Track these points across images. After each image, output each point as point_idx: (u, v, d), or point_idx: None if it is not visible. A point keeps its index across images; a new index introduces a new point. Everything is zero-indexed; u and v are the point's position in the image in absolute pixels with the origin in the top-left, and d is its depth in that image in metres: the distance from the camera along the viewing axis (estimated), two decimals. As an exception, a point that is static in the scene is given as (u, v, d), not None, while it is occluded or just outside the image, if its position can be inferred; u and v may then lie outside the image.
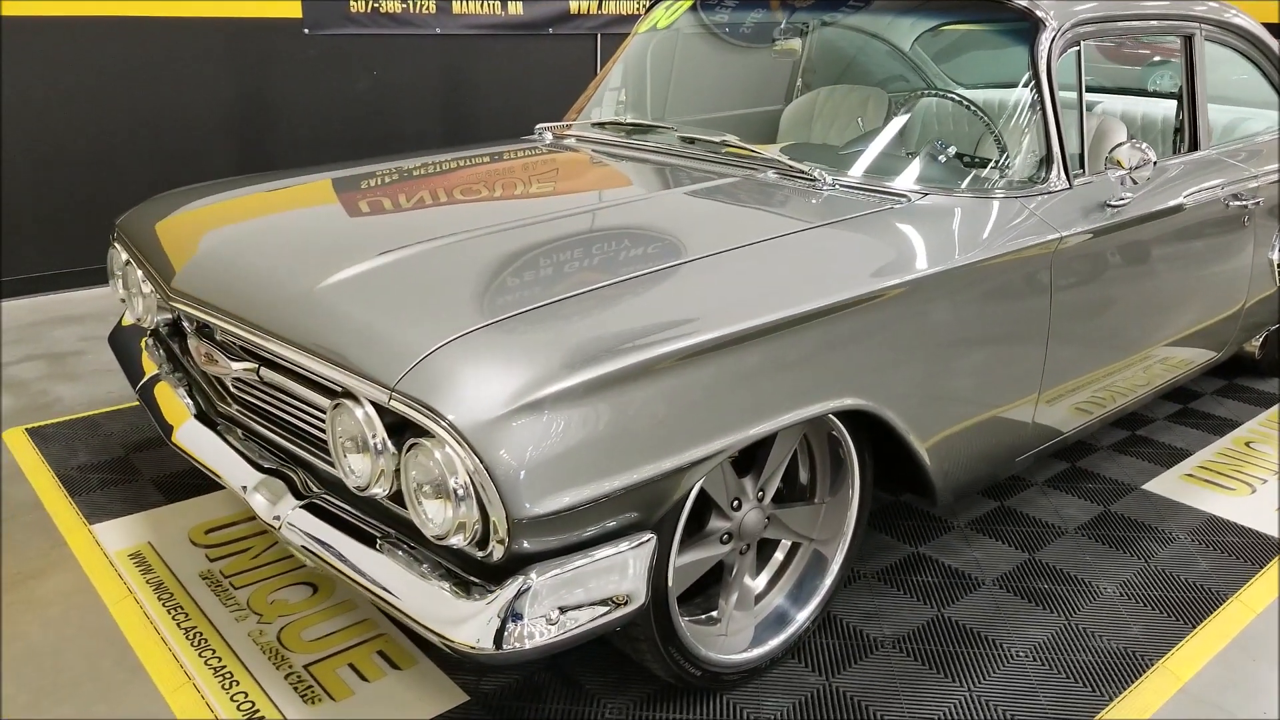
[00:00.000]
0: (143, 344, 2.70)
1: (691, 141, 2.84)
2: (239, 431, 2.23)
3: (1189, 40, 3.01)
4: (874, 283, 1.99)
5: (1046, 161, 2.51)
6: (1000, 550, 2.67)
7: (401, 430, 1.67)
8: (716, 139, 2.72)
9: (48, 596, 2.38)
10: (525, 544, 1.58)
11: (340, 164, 2.87)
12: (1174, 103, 3.47)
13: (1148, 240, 2.71)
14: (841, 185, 2.43)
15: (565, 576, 1.62)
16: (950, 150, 2.83)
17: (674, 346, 1.68)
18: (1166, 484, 3.07)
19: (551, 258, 1.99)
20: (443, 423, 1.53)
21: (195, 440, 2.19)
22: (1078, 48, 2.59)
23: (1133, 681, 2.18)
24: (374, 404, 1.67)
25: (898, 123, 2.92)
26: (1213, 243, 3.00)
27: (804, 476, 2.23)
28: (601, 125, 3.12)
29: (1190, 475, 3.13)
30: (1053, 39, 2.50)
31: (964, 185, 2.45)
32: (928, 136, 2.89)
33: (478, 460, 1.52)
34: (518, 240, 2.08)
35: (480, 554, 1.61)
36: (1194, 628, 2.38)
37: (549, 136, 3.16)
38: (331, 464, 1.93)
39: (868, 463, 2.19)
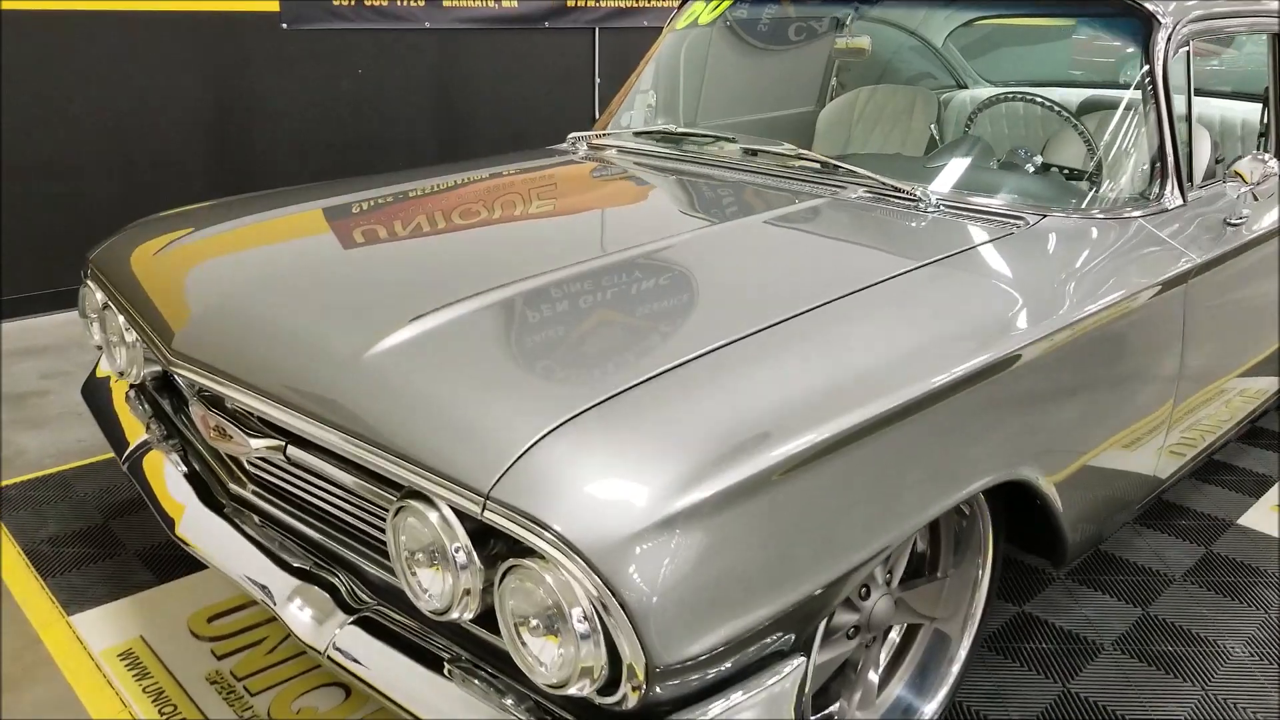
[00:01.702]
0: (123, 398, 2.31)
1: (755, 153, 2.51)
2: (255, 518, 1.86)
3: (1276, 39, 2.75)
4: (1033, 330, 1.69)
5: (1161, 175, 2.22)
6: (1110, 605, 2.39)
7: (486, 537, 1.34)
8: (789, 152, 2.40)
9: (24, 714, 2.00)
10: (663, 688, 1.25)
11: (349, 182, 2.50)
12: (1242, 104, 3.22)
13: (1267, 259, 2.44)
14: (946, 206, 2.12)
15: (708, 726, 1.30)
16: (1037, 160, 2.55)
17: (839, 425, 1.36)
18: (1260, 517, 2.82)
19: (637, 309, 1.65)
20: (559, 541, 1.20)
21: (206, 535, 1.82)
22: (1188, 48, 2.31)
23: (1296, 767, 1.92)
24: (455, 509, 1.33)
25: (984, 130, 2.63)
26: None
27: (920, 546, 1.93)
28: (647, 135, 2.78)
29: (1283, 506, 2.88)
30: (1169, 37, 2.22)
31: (1081, 204, 2.16)
32: (1012, 145, 2.60)
33: (608, 591, 1.18)
34: (591, 286, 1.73)
35: (604, 700, 1.28)
36: (1340, 693, 2.12)
37: (584, 147, 2.81)
38: (388, 570, 1.60)
39: (1000, 528, 1.90)
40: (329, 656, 1.55)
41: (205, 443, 1.98)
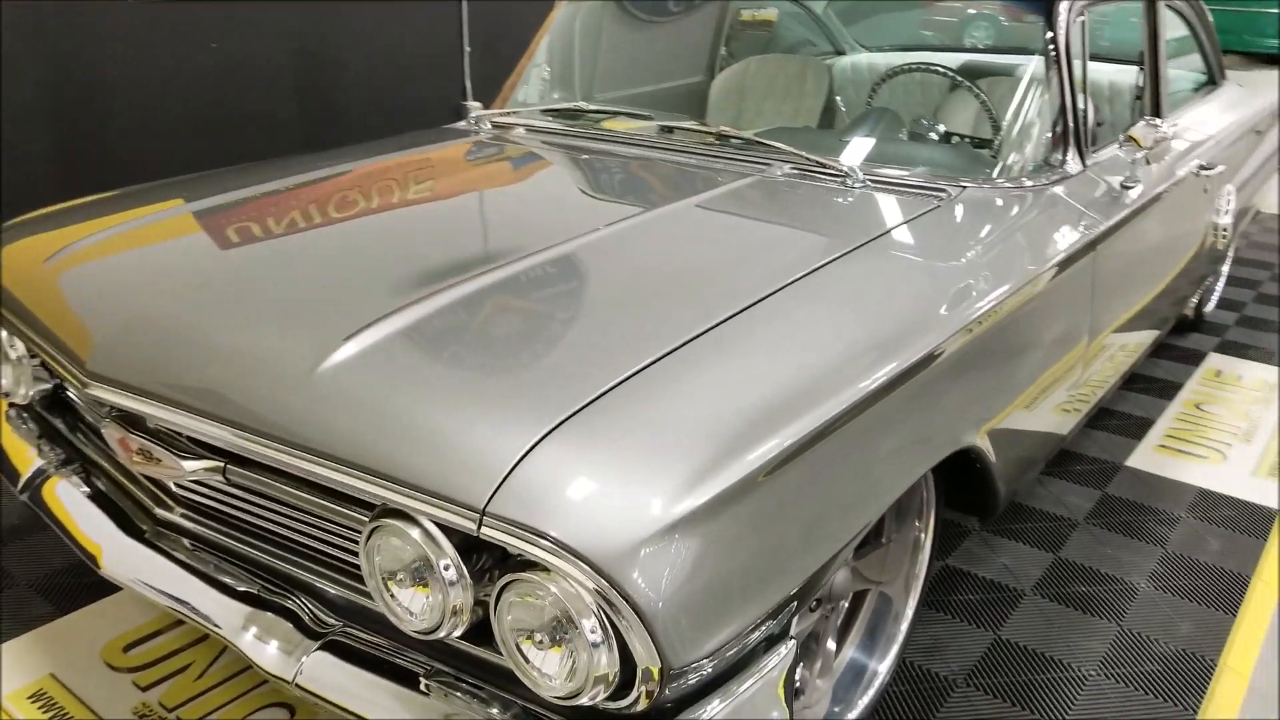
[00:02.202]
0: (2, 417, 2.13)
1: (671, 130, 2.49)
2: (185, 543, 1.75)
3: (1151, 3, 2.89)
4: (978, 304, 1.74)
5: (1063, 141, 2.32)
6: (1025, 553, 2.51)
7: (470, 552, 1.29)
8: (711, 129, 2.39)
9: (-67, 770, 1.84)
10: (671, 688, 1.24)
11: (245, 170, 2.35)
12: (1109, 66, 3.38)
13: (1157, 219, 2.58)
14: (872, 181, 2.15)
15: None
16: (940, 129, 2.62)
17: (820, 417, 1.37)
18: (1145, 458, 3.01)
19: (590, 305, 1.61)
20: (565, 551, 1.16)
21: (138, 567, 1.69)
22: (1084, 16, 2.40)
23: (1204, 688, 2.07)
24: (440, 525, 1.27)
25: (885, 100, 2.68)
26: (1188, 214, 2.93)
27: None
28: (555, 112, 2.72)
29: (1163, 446, 3.08)
30: (1071, 5, 2.30)
31: (994, 173, 2.23)
32: (914, 116, 2.66)
33: (619, 596, 1.16)
34: (535, 284, 1.68)
35: (613, 706, 1.26)
36: (1233, 616, 2.29)
37: (487, 126, 2.72)
38: (352, 590, 1.53)
39: (941, 492, 1.96)
40: (298, 685, 1.47)
41: (119, 466, 1.84)
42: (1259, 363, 3.73)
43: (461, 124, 2.86)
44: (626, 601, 1.16)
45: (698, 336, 1.47)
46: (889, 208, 2.04)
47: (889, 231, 1.92)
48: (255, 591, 1.62)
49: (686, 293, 1.65)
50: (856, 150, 2.35)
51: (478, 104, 5.57)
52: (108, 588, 2.28)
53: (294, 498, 1.49)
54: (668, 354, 1.42)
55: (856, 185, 2.14)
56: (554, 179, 2.37)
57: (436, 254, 1.84)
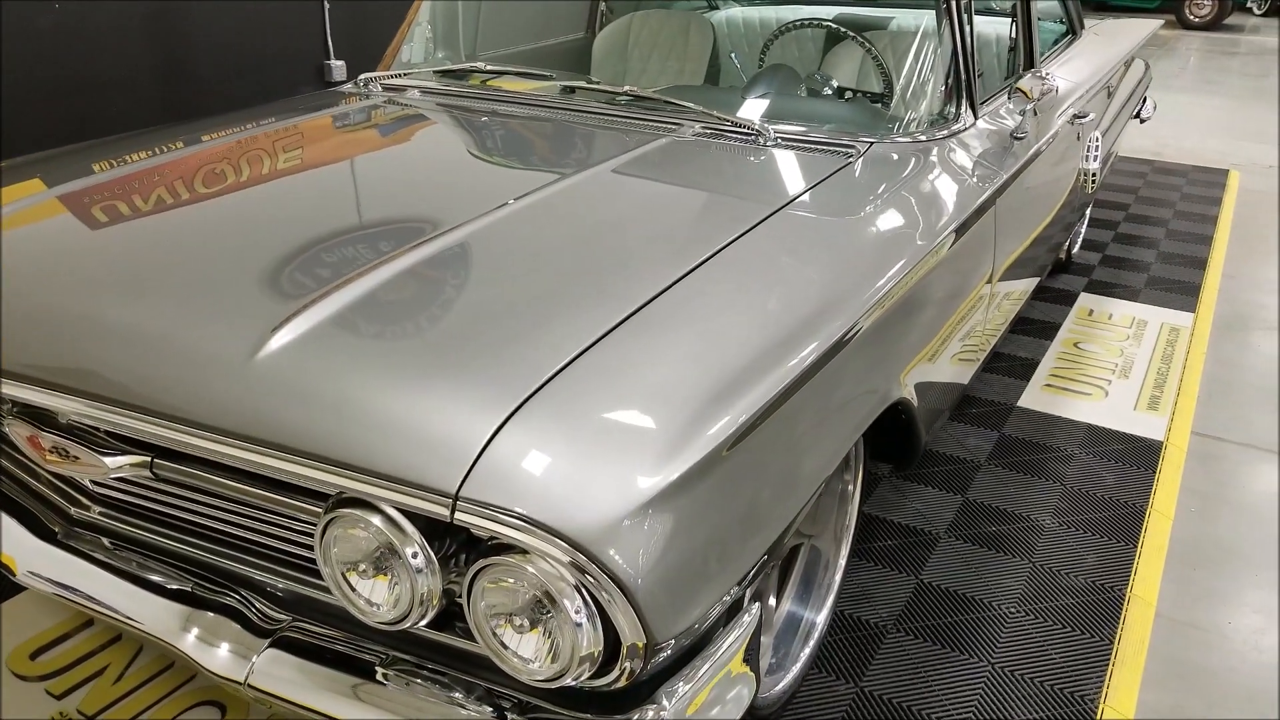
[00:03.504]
0: None
1: (572, 92, 2.44)
2: (104, 542, 1.65)
3: (1024, -47, 2.97)
4: (906, 260, 1.77)
5: (956, 94, 2.37)
6: (934, 496, 2.61)
7: (433, 537, 1.26)
8: (616, 90, 2.35)
9: None
10: (652, 662, 1.24)
11: (126, 140, 2.20)
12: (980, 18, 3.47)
13: (1042, 169, 2.68)
14: (783, 139, 2.16)
15: (692, 691, 1.30)
16: (833, 84, 2.65)
17: (779, 382, 1.37)
18: (1034, 397, 3.15)
19: (528, 277, 1.57)
20: (544, 531, 1.14)
21: (61, 574, 1.58)
22: None
23: (1118, 617, 2.19)
24: (404, 511, 1.23)
25: (776, 56, 2.68)
26: (1065, 162, 3.05)
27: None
28: (450, 74, 2.62)
29: (1049, 386, 3.23)
30: (964, -42, 2.35)
31: (896, 128, 2.27)
32: (808, 72, 2.68)
33: (602, 573, 1.15)
34: (467, 256, 1.63)
35: (597, 684, 1.25)
36: (1134, 546, 2.44)
37: (378, 89, 2.61)
38: (300, 582, 1.47)
39: (867, 445, 2.01)
40: (250, 686, 1.41)
41: (24, 465, 1.72)
42: (1125, 300, 3.95)
43: (349, 86, 2.74)
44: (609, 577, 1.15)
45: (645, 305, 1.45)
46: (802, 166, 2.05)
47: (807, 191, 1.93)
48: (190, 589, 1.54)
49: (626, 260, 1.64)
50: (762, 109, 2.36)
51: (340, 62, 5.37)
52: (3, 592, 2.14)
53: (231, 490, 1.42)
54: (620, 324, 1.40)
55: (768, 144, 2.15)
56: (463, 144, 2.30)
57: (357, 230, 1.77)
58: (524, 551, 1.17)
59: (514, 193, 1.84)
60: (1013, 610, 2.20)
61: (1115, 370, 3.34)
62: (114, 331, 1.46)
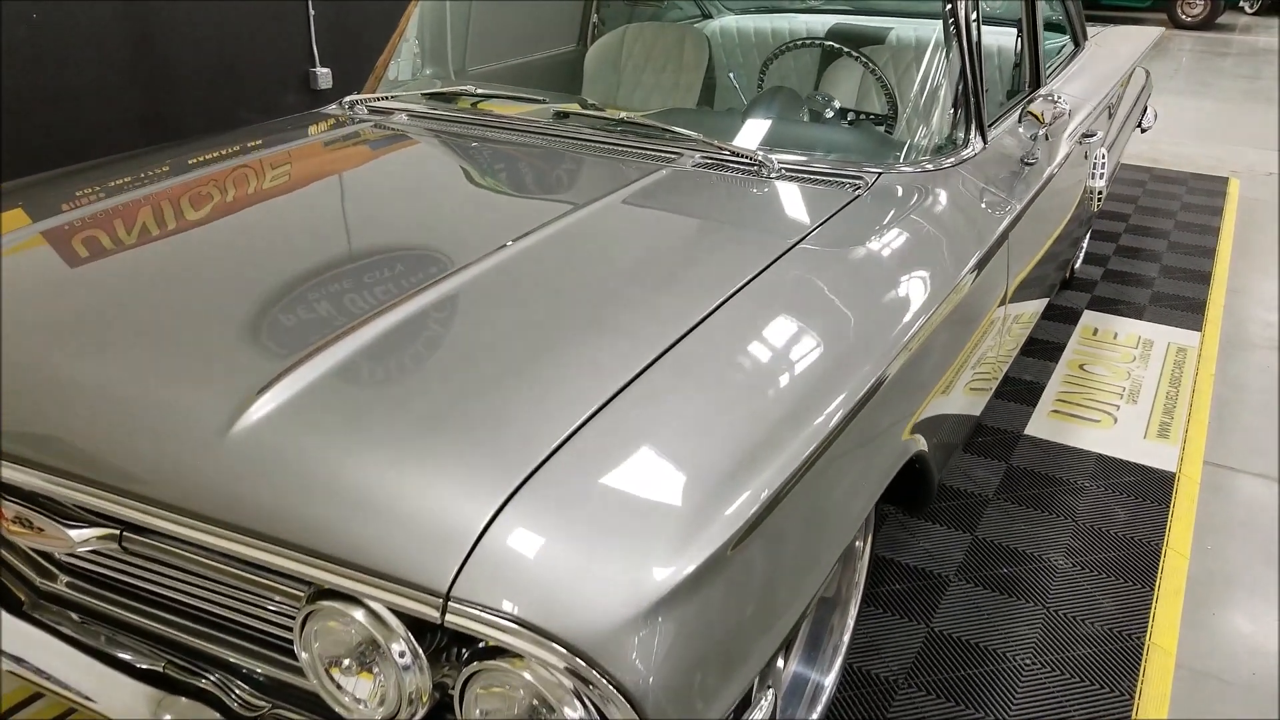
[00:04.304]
0: None
1: (565, 116, 2.34)
2: (72, 615, 1.54)
3: (1032, -34, 2.88)
4: (923, 306, 1.68)
5: (965, 117, 2.28)
6: (943, 534, 2.52)
7: (422, 631, 1.16)
8: (611, 117, 2.25)
9: None
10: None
11: (97, 169, 2.09)
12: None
13: (1052, 192, 2.59)
14: (786, 170, 2.06)
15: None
16: (835, 105, 2.56)
17: (795, 459, 1.28)
18: (1041, 424, 3.07)
19: (526, 334, 1.46)
20: (542, 636, 1.04)
21: (23, 646, 1.48)
22: None
23: (1137, 670, 2.11)
24: (393, 609, 1.13)
25: (778, 75, 2.59)
26: (1073, 182, 2.96)
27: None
28: (439, 96, 2.52)
29: (1056, 411, 3.15)
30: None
31: (904, 156, 2.17)
32: (808, 92, 2.59)
33: (605, 681, 1.05)
34: (470, 305, 1.52)
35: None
36: (1151, 589, 2.35)
37: (363, 111, 2.50)
38: (282, 668, 1.37)
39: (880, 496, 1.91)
40: (229, 782, 1.31)
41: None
42: (1129, 318, 3.87)
43: (333, 108, 2.64)
44: (614, 686, 1.05)
45: (652, 365, 1.35)
46: (809, 201, 1.95)
47: (816, 229, 1.82)
48: (162, 670, 1.44)
49: (629, 314, 1.52)
50: (764, 137, 2.26)
51: (325, 70, 5.25)
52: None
53: (207, 568, 1.31)
54: (625, 387, 1.30)
55: (772, 175, 2.05)
56: (455, 178, 2.19)
57: (346, 277, 1.66)
58: (520, 656, 1.07)
59: (511, 234, 1.74)
60: (1028, 662, 2.11)
61: (1123, 395, 3.26)
62: (74, 394, 1.36)
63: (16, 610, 1.55)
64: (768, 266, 1.64)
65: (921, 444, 1.74)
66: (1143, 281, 4.24)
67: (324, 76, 5.23)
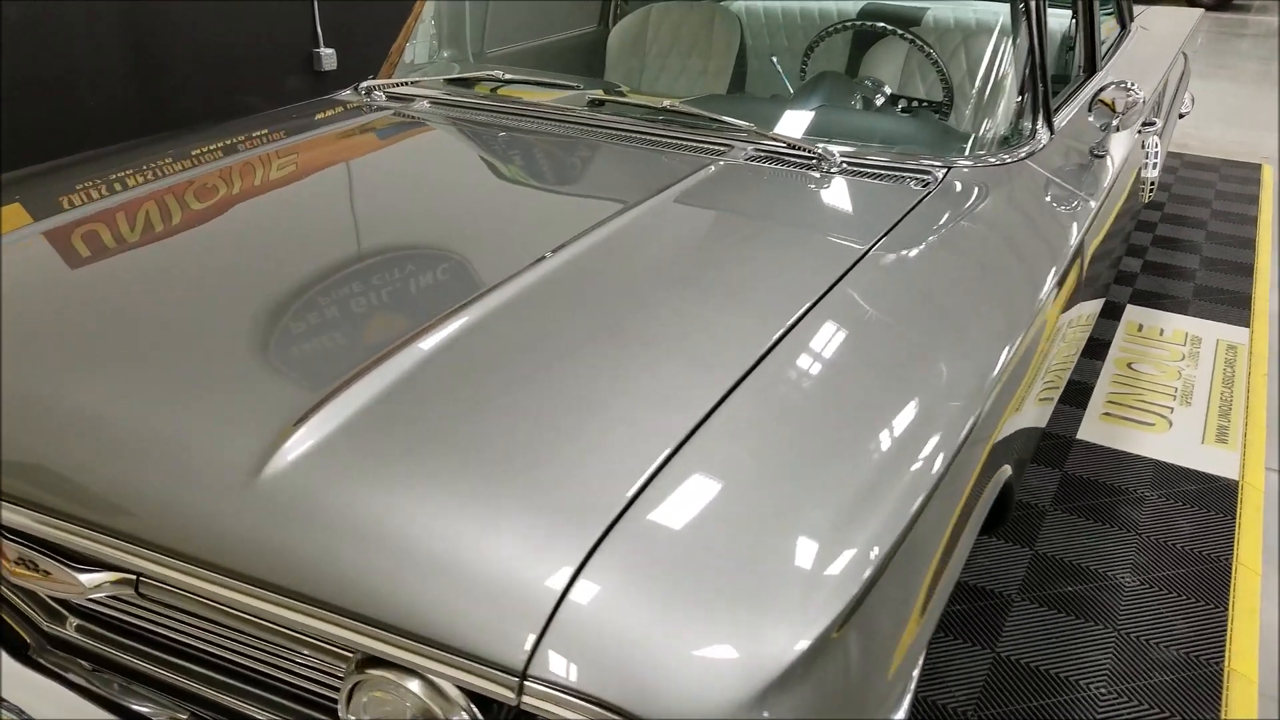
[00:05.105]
0: None
1: (600, 104, 2.18)
2: (81, 663, 1.39)
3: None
4: (1023, 314, 1.53)
5: (1033, 106, 2.12)
6: (1001, 549, 2.38)
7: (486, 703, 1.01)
8: (655, 104, 2.09)
9: None
10: None
11: (99, 160, 1.94)
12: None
13: (1123, 185, 2.44)
14: (849, 164, 1.91)
15: None
16: (886, 91, 2.40)
17: (910, 505, 1.13)
18: (1094, 428, 2.92)
19: (587, 355, 1.31)
20: (638, 722, 0.90)
21: (28, 698, 1.34)
22: None
23: (1219, 699, 1.97)
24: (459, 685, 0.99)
25: (820, 62, 2.43)
26: (1132, 173, 2.80)
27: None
28: (462, 82, 2.36)
29: (1108, 415, 3.00)
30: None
31: (970, 148, 2.01)
32: (859, 78, 2.43)
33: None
34: (525, 320, 1.37)
35: None
36: (1224, 608, 2.21)
37: (381, 97, 2.34)
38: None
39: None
40: None
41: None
42: (1174, 313, 3.72)
43: (348, 94, 2.48)
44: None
45: (727, 397, 1.20)
46: (876, 201, 1.79)
47: (888, 234, 1.66)
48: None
49: (697, 336, 1.36)
50: (820, 127, 2.10)
51: (330, 50, 5.07)
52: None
53: (235, 620, 1.17)
54: (700, 424, 1.15)
55: (833, 170, 1.90)
56: (486, 175, 2.03)
57: (380, 289, 1.50)
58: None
59: (554, 240, 1.58)
60: (1104, 691, 1.97)
61: (1176, 396, 3.12)
62: (79, 426, 1.21)
63: (21, 655, 1.41)
64: (841, 278, 1.49)
65: (1009, 471, 1.60)
66: (1184, 274, 4.09)
67: (328, 58, 5.05)
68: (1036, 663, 2.04)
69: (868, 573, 1.03)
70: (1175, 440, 2.86)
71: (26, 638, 1.42)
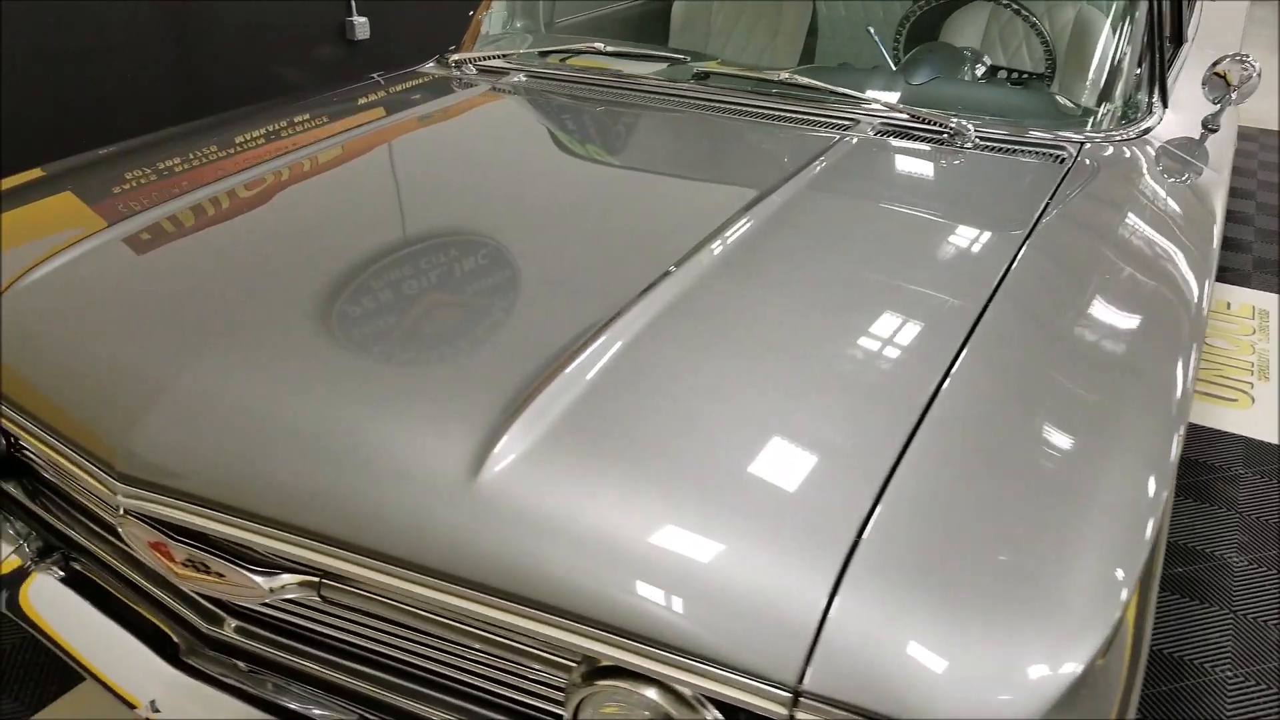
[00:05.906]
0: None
1: (706, 77, 2.11)
2: (239, 665, 1.35)
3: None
4: (1195, 297, 1.48)
5: (1149, 79, 2.07)
6: (1106, 532, 2.34)
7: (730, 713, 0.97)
8: (771, 77, 2.02)
9: None
10: None
11: (207, 130, 1.87)
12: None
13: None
14: (983, 139, 1.85)
15: None
16: (986, 61, 2.34)
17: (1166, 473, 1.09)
18: (1177, 404, 2.88)
19: (784, 343, 1.25)
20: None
21: (193, 709, 1.29)
22: None
23: (1344, 680, 1.95)
24: (709, 696, 0.94)
25: (946, 30, 2.35)
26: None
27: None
28: (553, 56, 2.28)
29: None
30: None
31: (1094, 123, 1.96)
32: (969, 49, 2.36)
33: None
34: (717, 300, 1.32)
35: None
36: (1334, 588, 2.19)
37: (471, 71, 2.27)
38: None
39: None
40: None
41: (132, 559, 1.42)
42: (1237, 285, 3.68)
43: (430, 66, 2.40)
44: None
45: (937, 392, 1.15)
46: (1021, 178, 1.74)
47: (1044, 215, 1.61)
48: (359, 728, 1.26)
49: (885, 336, 1.31)
50: (939, 99, 2.04)
51: (363, 19, 4.96)
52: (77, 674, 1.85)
53: (425, 623, 1.12)
54: (923, 415, 1.10)
55: (968, 146, 1.84)
56: (616, 154, 1.95)
57: (561, 272, 1.42)
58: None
59: (709, 225, 1.52)
60: (1230, 675, 1.95)
61: (1253, 370, 3.08)
62: (275, 430, 1.15)
63: (172, 657, 1.36)
64: (1011, 265, 1.43)
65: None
66: (1240, 246, 4.04)
67: (361, 26, 4.93)
68: (1159, 646, 2.01)
69: (1124, 594, 0.98)
70: (1260, 416, 2.83)
71: (177, 640, 1.37)
